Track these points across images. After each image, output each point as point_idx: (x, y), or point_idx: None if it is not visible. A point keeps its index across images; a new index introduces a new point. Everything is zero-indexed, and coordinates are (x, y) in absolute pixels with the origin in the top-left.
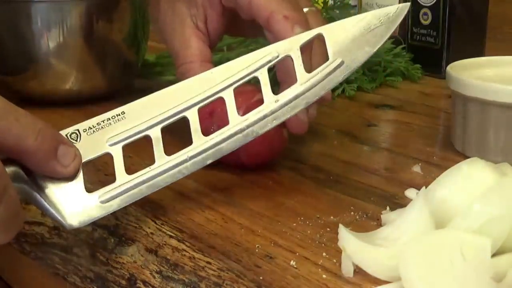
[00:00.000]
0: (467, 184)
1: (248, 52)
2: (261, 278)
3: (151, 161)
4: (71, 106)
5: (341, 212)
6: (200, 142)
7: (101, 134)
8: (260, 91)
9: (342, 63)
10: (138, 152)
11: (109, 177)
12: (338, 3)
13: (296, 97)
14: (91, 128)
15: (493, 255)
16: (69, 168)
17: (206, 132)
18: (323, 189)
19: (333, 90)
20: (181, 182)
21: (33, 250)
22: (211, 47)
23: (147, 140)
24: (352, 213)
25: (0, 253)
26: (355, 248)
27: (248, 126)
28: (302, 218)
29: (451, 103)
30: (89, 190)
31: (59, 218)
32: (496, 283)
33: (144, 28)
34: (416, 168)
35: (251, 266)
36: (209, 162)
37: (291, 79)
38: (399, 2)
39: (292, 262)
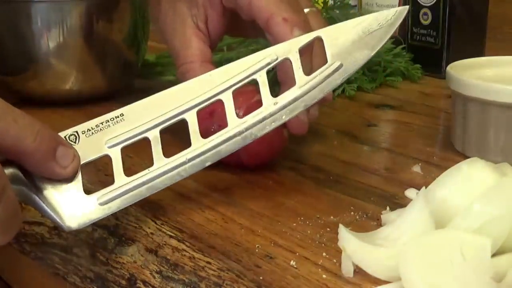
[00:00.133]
0: (467, 184)
1: (248, 52)
2: (261, 278)
3: (151, 161)
4: (71, 106)
5: (341, 212)
6: (199, 144)
7: (100, 136)
8: (259, 91)
9: (340, 66)
10: (138, 152)
11: (109, 178)
12: (338, 3)
13: (295, 99)
14: (89, 130)
15: (493, 255)
16: (67, 169)
17: (206, 132)
18: (323, 189)
19: (333, 90)
20: (181, 182)
21: (33, 250)
22: (212, 47)
23: (146, 141)
24: (352, 213)
25: (0, 253)
26: (355, 248)
27: (247, 129)
28: (302, 218)
29: (451, 103)
30: (89, 190)
31: (58, 220)
32: (496, 283)
33: (144, 28)
34: (416, 168)
35: (251, 266)
36: (207, 164)
37: (291, 81)
38: (399, 2)
39: (292, 262)
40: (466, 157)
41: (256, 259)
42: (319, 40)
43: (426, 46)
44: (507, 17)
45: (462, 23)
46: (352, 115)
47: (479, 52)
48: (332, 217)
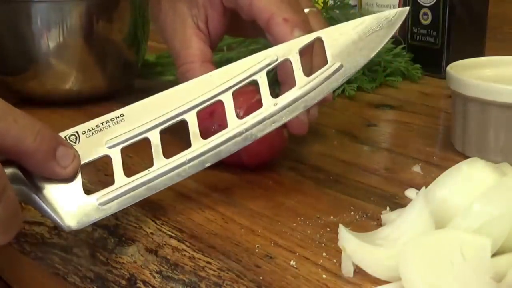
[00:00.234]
0: (467, 184)
1: (248, 52)
2: (261, 278)
3: (151, 161)
4: (71, 106)
5: (341, 212)
6: (199, 145)
7: (100, 136)
8: (259, 91)
9: (341, 66)
10: (138, 152)
11: (109, 178)
12: (338, 3)
13: (295, 100)
14: (90, 130)
15: (493, 255)
16: (68, 169)
17: (206, 132)
18: (323, 189)
19: (333, 90)
20: (181, 182)
21: (33, 250)
22: (212, 47)
23: (146, 141)
24: (352, 213)
25: (0, 253)
26: (355, 248)
27: (247, 129)
28: (302, 218)
29: (451, 103)
30: (89, 190)
31: (57, 220)
32: (496, 283)
33: (144, 28)
34: (416, 168)
35: (251, 266)
36: (207, 165)
37: (291, 81)
38: (399, 2)
39: (292, 262)
40: (466, 157)
41: (256, 259)
42: (319, 40)
43: (426, 46)
44: (507, 17)
45: (462, 23)
46: (352, 115)
47: (479, 52)
48: (332, 217)
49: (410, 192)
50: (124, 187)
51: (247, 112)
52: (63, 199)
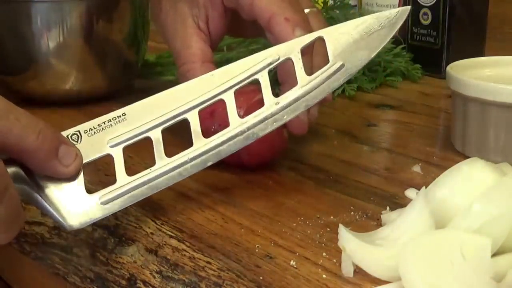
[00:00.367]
0: (467, 184)
1: (248, 52)
2: (261, 278)
3: (152, 161)
4: (71, 106)
5: (341, 212)
6: (200, 144)
7: (102, 136)
8: (261, 91)
9: (342, 66)
10: (138, 152)
11: (109, 177)
12: (338, 3)
13: (296, 99)
14: (92, 130)
15: (493, 255)
16: (70, 168)
17: (207, 132)
18: (323, 189)
19: (334, 90)
20: (181, 182)
21: (33, 250)
22: (213, 47)
23: (147, 141)
24: (352, 213)
25: (0, 253)
26: (355, 248)
27: (248, 128)
28: (302, 218)
29: (451, 103)
30: (89, 190)
31: (60, 219)
32: (496, 283)
33: (144, 28)
34: (416, 168)
35: (251, 266)
36: (209, 164)
37: (292, 80)
38: (399, 2)
39: (292, 262)
40: (466, 157)
41: (256, 259)
42: (320, 40)
43: (426, 46)
44: (507, 17)
45: (462, 23)
46: (352, 115)
47: (479, 52)
48: (332, 217)
49: (410, 192)
50: (126, 186)
51: (248, 112)
52: (65, 198)
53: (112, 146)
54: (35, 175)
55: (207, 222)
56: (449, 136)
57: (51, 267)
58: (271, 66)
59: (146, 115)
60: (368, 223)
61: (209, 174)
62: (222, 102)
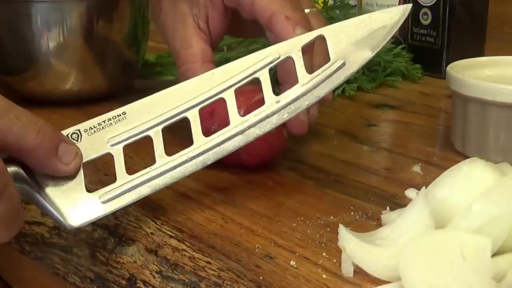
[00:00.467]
0: (467, 184)
1: (248, 52)
2: (261, 278)
3: (151, 161)
4: (71, 106)
5: (341, 212)
6: (201, 142)
7: (102, 134)
8: (261, 90)
9: (343, 64)
10: (138, 152)
11: (109, 177)
12: (338, 3)
13: (297, 98)
14: (92, 128)
15: (493, 255)
16: (70, 166)
17: (206, 132)
18: (323, 189)
19: (333, 90)
20: (181, 182)
21: (33, 250)
22: (213, 47)
23: (147, 140)
24: (352, 213)
25: (0, 253)
26: (355, 248)
27: (249, 127)
28: (302, 218)
29: (451, 103)
30: (89, 190)
31: (60, 218)
32: (496, 283)
33: (144, 28)
34: (416, 168)
35: (251, 266)
36: (210, 162)
37: (292, 80)
38: (399, 2)
39: (292, 262)
40: (466, 157)
41: (256, 259)
42: (320, 39)
43: (426, 46)
44: (507, 17)
45: (462, 23)
46: (352, 115)
47: (479, 52)
48: (332, 217)
49: (410, 192)
50: (126, 185)
51: (247, 112)
52: (65, 197)
53: (112, 145)
54: (35, 174)
55: (207, 222)
56: (449, 136)
57: (51, 267)
58: (271, 65)
59: (146, 113)
60: (368, 223)
61: (209, 174)
62: (222, 102)
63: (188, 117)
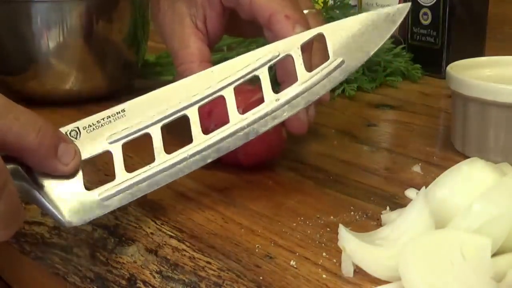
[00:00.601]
0: (467, 184)
1: (248, 52)
2: (261, 278)
3: (151, 160)
4: (71, 106)
5: (341, 212)
6: (200, 140)
7: (101, 132)
8: (259, 90)
9: (342, 62)
10: (138, 152)
11: (109, 178)
12: (338, 3)
13: (297, 96)
14: (91, 126)
15: (493, 255)
16: (69, 166)
17: (204, 132)
18: (323, 189)
19: (333, 90)
20: (181, 182)
21: (33, 250)
22: (211, 47)
23: (147, 139)
24: (352, 213)
25: (0, 253)
26: (355, 248)
27: (248, 125)
28: (302, 218)
29: (451, 103)
30: (89, 189)
31: (58, 216)
32: (496, 283)
33: (144, 28)
34: (416, 168)
35: (251, 266)
36: (209, 160)
37: (292, 79)
38: (399, 2)
39: (292, 262)
40: (466, 157)
41: (256, 259)
42: (320, 36)
43: (426, 46)
44: (507, 17)
45: (462, 23)
46: (352, 115)
47: (479, 52)
48: (332, 217)
49: (410, 192)
50: (126, 183)
51: (245, 111)
52: (64, 195)
53: (111, 143)
54: (34, 172)
55: (207, 222)
56: (449, 136)
57: (51, 267)
58: (271, 63)
59: (146, 111)
60: (368, 223)
61: (209, 174)
62: (219, 102)
63: (188, 115)
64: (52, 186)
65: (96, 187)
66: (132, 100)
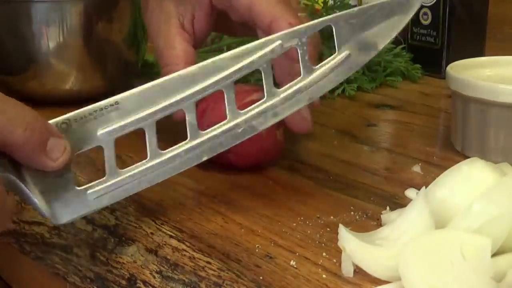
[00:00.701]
0: (467, 184)
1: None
2: (261, 278)
3: None
4: (71, 106)
5: (341, 212)
6: (195, 136)
7: (93, 125)
8: (255, 91)
9: (349, 56)
10: (138, 152)
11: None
12: (338, 3)
13: (299, 91)
14: (82, 118)
15: (493, 255)
16: (58, 161)
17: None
18: (323, 189)
19: (333, 90)
20: (181, 182)
21: (33, 250)
22: (196, 47)
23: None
24: (352, 213)
25: (0, 253)
26: (355, 248)
27: (246, 121)
28: (302, 218)
29: (451, 103)
30: (80, 185)
31: (46, 213)
32: (496, 283)
33: (144, 28)
34: (416, 168)
35: (251, 266)
36: (204, 158)
37: (292, 79)
38: None
39: (292, 262)
40: (466, 157)
41: (256, 259)
42: (328, 29)
43: (426, 46)
44: (507, 17)
45: (462, 23)
46: (352, 115)
47: (479, 52)
48: (332, 217)
49: (410, 192)
50: (117, 179)
51: None
52: (53, 192)
53: (103, 137)
54: (22, 167)
55: (207, 222)
56: (449, 136)
57: (51, 267)
58: (274, 54)
59: (140, 104)
60: (368, 223)
61: (208, 174)
62: (213, 100)
63: (184, 109)
64: (41, 181)
65: (87, 183)
66: (127, 92)
